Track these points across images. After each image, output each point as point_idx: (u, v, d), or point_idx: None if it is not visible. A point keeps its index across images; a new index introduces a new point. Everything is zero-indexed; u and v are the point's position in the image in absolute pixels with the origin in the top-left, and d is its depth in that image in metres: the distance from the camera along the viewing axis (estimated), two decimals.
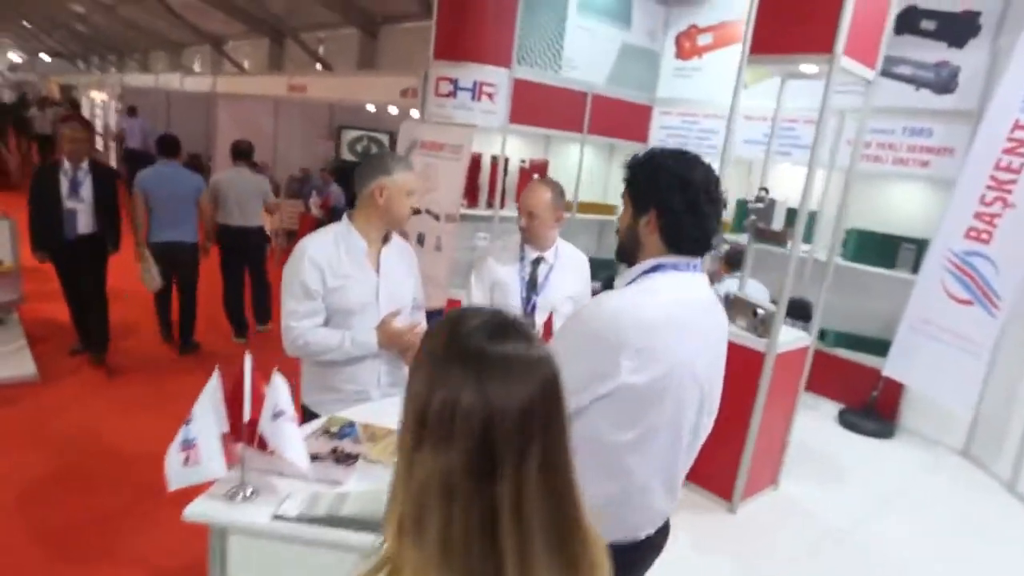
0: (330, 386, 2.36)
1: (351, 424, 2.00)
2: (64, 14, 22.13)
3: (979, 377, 3.95)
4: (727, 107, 5.46)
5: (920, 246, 4.70)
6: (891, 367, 4.36)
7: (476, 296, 2.64)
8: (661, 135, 6.30)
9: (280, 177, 9.58)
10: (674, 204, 1.45)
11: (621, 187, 1.57)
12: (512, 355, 0.82)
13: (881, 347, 4.62)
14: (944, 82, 4.71)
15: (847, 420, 4.77)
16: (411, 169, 2.30)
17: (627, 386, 1.38)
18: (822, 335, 5.29)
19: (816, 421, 4.75)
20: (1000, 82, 4.19)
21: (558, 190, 2.63)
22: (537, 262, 2.57)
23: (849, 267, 5.11)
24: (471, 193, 5.27)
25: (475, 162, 5.34)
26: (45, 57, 30.62)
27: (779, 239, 3.36)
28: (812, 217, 4.53)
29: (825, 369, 5.13)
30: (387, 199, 2.24)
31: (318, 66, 12.35)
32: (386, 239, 2.38)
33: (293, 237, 8.34)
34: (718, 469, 3.42)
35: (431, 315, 2.91)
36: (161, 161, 5.22)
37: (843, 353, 5.15)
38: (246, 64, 15.59)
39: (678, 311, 1.45)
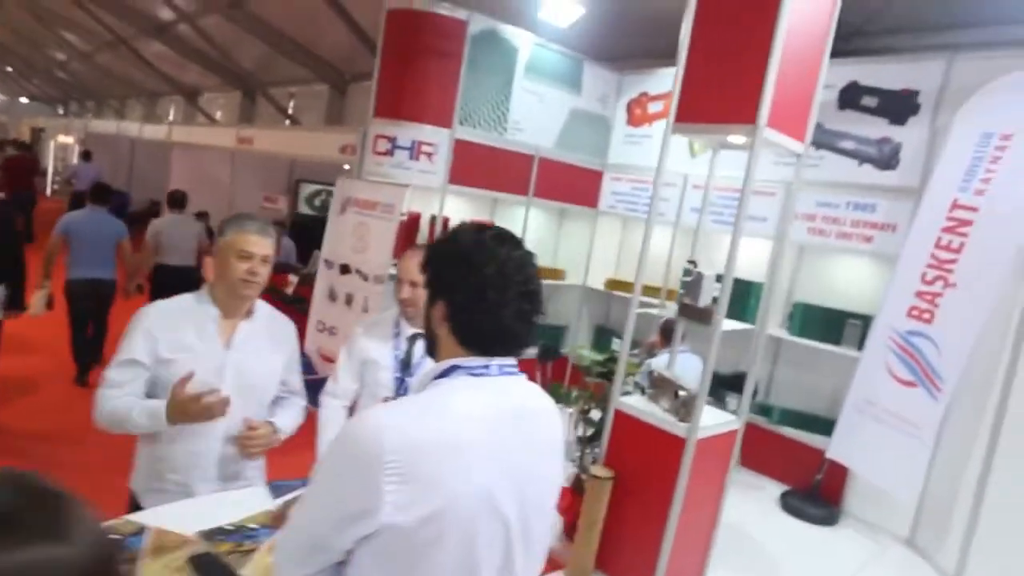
0: (154, 472, 2.05)
1: (140, 531, 1.70)
2: (44, 60, 22.21)
3: (923, 463, 3.77)
4: (678, 174, 5.50)
5: (866, 322, 4.55)
6: (835, 449, 4.16)
7: (344, 377, 2.38)
8: (611, 200, 6.21)
9: None
10: (458, 292, 1.20)
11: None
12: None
13: (827, 426, 4.41)
14: (886, 158, 4.65)
15: (789, 504, 4.51)
16: (252, 231, 2.01)
17: (391, 527, 1.07)
18: (768, 412, 5.09)
19: (758, 504, 4.50)
20: (938, 160, 4.13)
21: None
22: (414, 339, 2.32)
23: (795, 342, 4.95)
24: None
25: (413, 221, 5.18)
26: (24, 100, 30.59)
27: (703, 317, 3.15)
28: (754, 289, 4.37)
29: (770, 448, 4.91)
30: (218, 261, 2.02)
31: (287, 122, 12.31)
32: (250, 311, 2.12)
33: None
34: (635, 562, 3.15)
35: None
36: (90, 207, 5.66)
37: (788, 431, 4.93)
38: (218, 115, 15.56)
39: (469, 427, 1.15)
